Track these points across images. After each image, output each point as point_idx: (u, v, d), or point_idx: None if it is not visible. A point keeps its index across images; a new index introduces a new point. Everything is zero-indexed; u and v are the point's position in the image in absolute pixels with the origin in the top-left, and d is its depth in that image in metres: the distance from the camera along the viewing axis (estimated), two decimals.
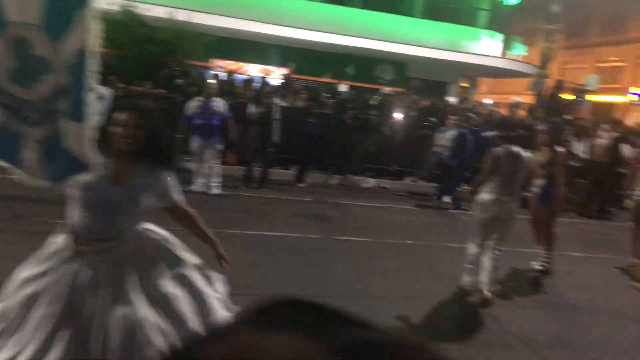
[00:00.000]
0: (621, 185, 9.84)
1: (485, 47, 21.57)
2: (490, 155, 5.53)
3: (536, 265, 6.75)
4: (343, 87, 15.44)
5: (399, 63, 20.95)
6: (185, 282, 2.81)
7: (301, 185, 10.92)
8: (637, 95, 29.13)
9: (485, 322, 5.06)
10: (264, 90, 11.31)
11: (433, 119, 12.23)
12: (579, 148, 11.08)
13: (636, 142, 10.15)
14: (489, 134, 10.54)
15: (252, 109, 10.20)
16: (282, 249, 6.50)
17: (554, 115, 11.07)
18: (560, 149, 6.24)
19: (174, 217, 2.92)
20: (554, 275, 6.63)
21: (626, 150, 10.45)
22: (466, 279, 5.61)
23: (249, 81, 12.84)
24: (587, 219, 10.59)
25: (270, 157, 10.43)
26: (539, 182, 6.45)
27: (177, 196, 2.87)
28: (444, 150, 10.83)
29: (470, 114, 11.57)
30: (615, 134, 11.02)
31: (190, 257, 2.92)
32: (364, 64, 20.60)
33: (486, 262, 5.52)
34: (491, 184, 5.47)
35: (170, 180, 2.83)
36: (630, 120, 19.69)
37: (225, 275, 3.06)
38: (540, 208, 6.55)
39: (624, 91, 30.80)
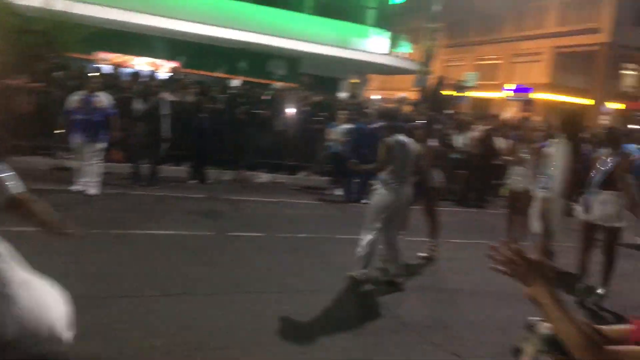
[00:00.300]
0: (497, 176, 10.57)
1: (373, 44, 22.25)
2: (383, 145, 5.72)
3: (422, 253, 7.09)
4: (235, 82, 15.29)
5: (291, 59, 21.09)
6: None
7: (192, 182, 10.69)
8: (511, 91, 31.38)
9: (376, 309, 5.24)
10: (152, 85, 10.94)
11: (325, 114, 12.46)
12: (459, 141, 11.77)
13: (509, 135, 10.93)
14: (375, 125, 10.88)
15: (138, 104, 9.83)
16: (172, 248, 6.33)
17: (437, 110, 11.67)
18: (432, 143, 6.57)
19: (16, 212, 2.62)
20: (438, 262, 7.00)
21: (500, 142, 11.24)
22: (361, 269, 5.76)
23: (135, 75, 12.35)
24: (466, 208, 11.28)
25: (160, 154, 10.12)
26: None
27: (15, 188, 2.61)
28: (336, 144, 11.07)
29: (365, 110, 11.92)
30: (486, 127, 11.80)
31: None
32: (256, 59, 20.52)
33: (385, 249, 5.75)
34: (386, 173, 5.69)
35: (4, 172, 2.59)
36: (506, 115, 21.18)
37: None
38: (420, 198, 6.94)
39: (500, 87, 33.09)
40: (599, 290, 5.97)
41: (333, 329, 4.66)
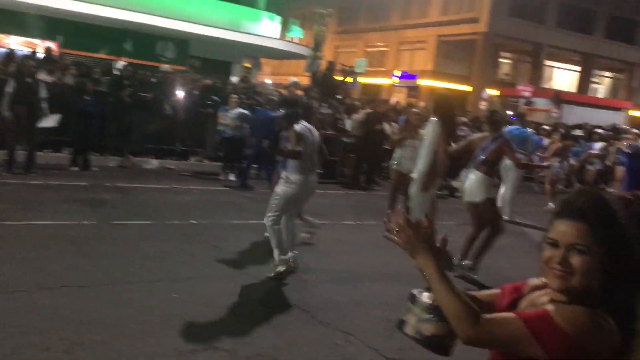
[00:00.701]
0: (385, 158, 10.93)
1: (265, 28, 22.10)
2: (293, 132, 5.57)
3: (303, 234, 7.02)
4: (120, 64, 14.58)
5: (180, 41, 20.45)
6: None
7: (74, 169, 10.09)
8: (398, 78, 32.52)
9: (268, 294, 5.25)
10: (27, 65, 10.14)
11: (216, 98, 12.22)
12: (349, 125, 12.02)
13: (396, 119, 11.35)
14: (276, 113, 10.83)
15: (12, 86, 9.08)
16: (52, 239, 5.95)
17: (328, 95, 11.83)
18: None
19: None
20: (329, 244, 7.12)
21: (386, 126, 11.62)
22: (280, 259, 5.66)
23: (9, 55, 11.40)
24: (357, 190, 11.57)
25: (37, 139, 9.43)
26: None
27: None
28: (227, 129, 10.90)
29: (258, 94, 11.80)
30: (368, 110, 12.08)
31: None
32: (143, 41, 19.68)
33: (289, 235, 5.70)
34: (295, 162, 5.57)
35: None
36: (393, 100, 21.93)
37: None
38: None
39: (388, 74, 34.20)
40: (463, 262, 6.29)
41: (224, 316, 4.61)
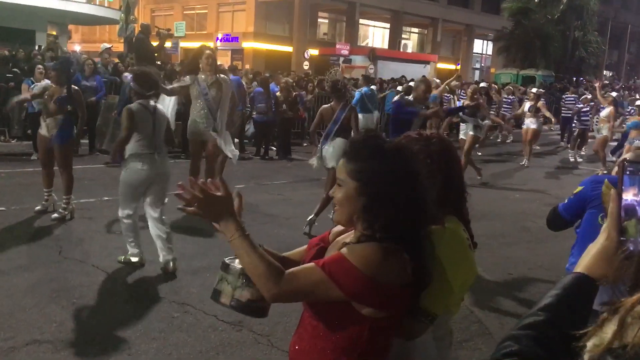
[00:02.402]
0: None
1: None
2: (127, 112, 5.01)
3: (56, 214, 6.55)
4: None
5: None
6: None
7: None
8: (220, 41, 31.96)
9: (91, 278, 4.96)
10: None
11: (17, 70, 11.01)
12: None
13: None
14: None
15: None
16: None
17: (145, 61, 11.25)
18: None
19: None
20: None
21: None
22: (131, 251, 5.18)
23: None
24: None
25: None
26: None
27: None
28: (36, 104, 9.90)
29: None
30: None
31: None
32: None
33: (152, 228, 5.14)
34: (136, 143, 5.02)
35: None
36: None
37: None
38: (54, 148, 6.52)
39: (210, 37, 33.42)
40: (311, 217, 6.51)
41: (46, 307, 4.28)
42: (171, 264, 5.06)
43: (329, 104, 6.95)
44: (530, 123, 12.75)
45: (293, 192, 8.67)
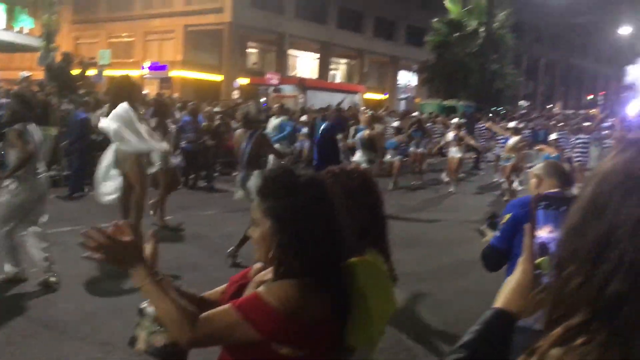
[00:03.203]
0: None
1: None
2: (16, 133, 5.00)
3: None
4: None
5: None
6: None
7: None
8: (147, 69, 31.48)
9: (7, 312, 4.67)
10: None
11: None
12: (95, 121, 11.23)
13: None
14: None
15: None
16: None
17: (66, 89, 10.88)
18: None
19: None
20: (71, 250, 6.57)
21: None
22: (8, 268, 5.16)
23: None
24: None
25: None
26: None
27: None
28: None
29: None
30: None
31: None
32: None
33: (31, 245, 5.19)
34: (27, 165, 5.07)
35: None
36: (145, 92, 21.14)
37: None
38: None
39: (137, 65, 32.85)
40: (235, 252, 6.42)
41: None
42: (51, 277, 5.21)
43: (241, 130, 6.97)
44: (454, 152, 13.24)
45: (222, 223, 8.54)
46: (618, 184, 0.78)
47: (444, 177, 14.28)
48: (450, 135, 13.58)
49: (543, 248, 1.04)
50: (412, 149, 13.88)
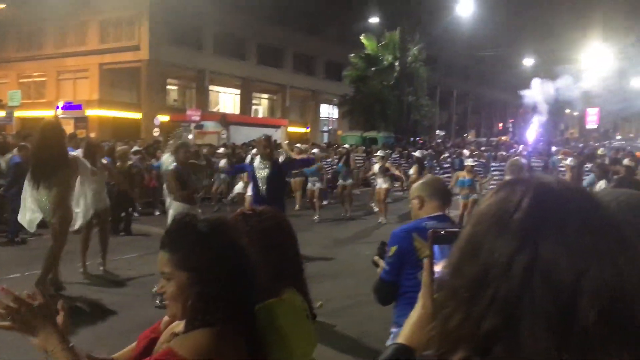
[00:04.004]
0: None
1: None
2: None
3: None
4: None
5: None
6: None
7: None
8: (61, 109, 30.41)
9: None
10: None
11: None
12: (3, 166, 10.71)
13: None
14: None
15: None
16: None
17: None
18: None
19: None
20: None
21: None
22: None
23: None
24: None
25: None
26: None
27: None
28: None
29: None
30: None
31: None
32: None
33: None
34: None
35: None
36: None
37: None
38: None
39: (51, 105, 31.68)
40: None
41: None
42: None
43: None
44: (381, 183, 13.56)
45: (144, 266, 8.29)
46: (492, 224, 0.82)
47: (374, 206, 14.61)
48: (376, 166, 13.96)
49: (440, 284, 1.07)
50: (340, 181, 14.37)
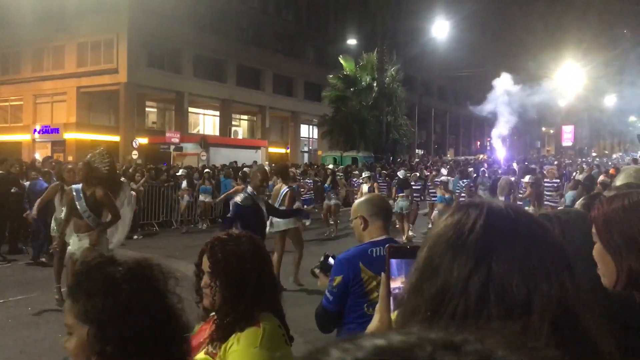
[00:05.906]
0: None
1: None
2: None
3: None
4: None
5: None
6: None
7: None
8: (38, 133, 30.14)
9: None
10: None
11: None
12: None
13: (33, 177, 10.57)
14: None
15: None
16: None
17: None
18: None
19: None
20: None
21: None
22: None
23: None
24: None
25: None
26: None
27: None
28: None
29: None
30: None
31: None
32: None
33: None
34: None
35: None
36: (36, 156, 20.13)
37: None
38: None
39: (27, 129, 31.36)
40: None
41: None
42: None
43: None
44: None
45: None
46: (448, 245, 0.87)
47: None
48: (365, 187, 14.18)
49: (397, 300, 1.11)
50: (325, 201, 14.72)
